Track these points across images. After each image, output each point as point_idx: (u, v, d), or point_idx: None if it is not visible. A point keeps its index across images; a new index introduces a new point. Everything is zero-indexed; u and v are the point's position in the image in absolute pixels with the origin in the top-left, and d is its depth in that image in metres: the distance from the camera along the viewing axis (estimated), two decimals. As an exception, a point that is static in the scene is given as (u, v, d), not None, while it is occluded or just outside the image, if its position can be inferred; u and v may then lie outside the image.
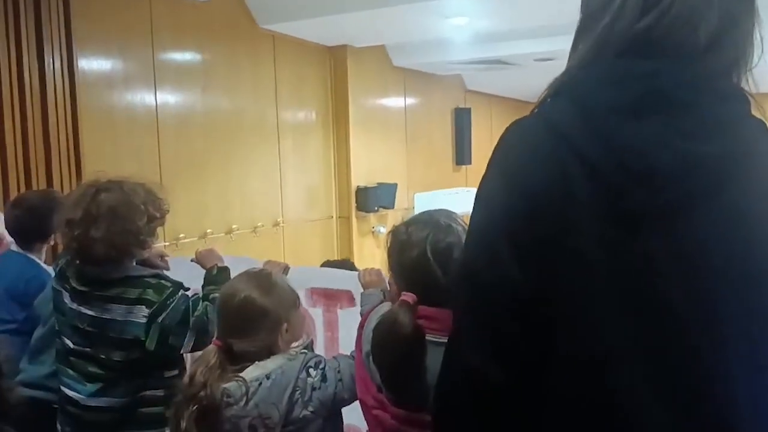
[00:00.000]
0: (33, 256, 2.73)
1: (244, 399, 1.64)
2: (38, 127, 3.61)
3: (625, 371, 0.85)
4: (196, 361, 1.75)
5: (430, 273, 1.46)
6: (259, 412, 1.64)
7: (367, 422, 1.63)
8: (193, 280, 2.24)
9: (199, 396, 1.66)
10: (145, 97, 4.35)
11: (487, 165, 0.95)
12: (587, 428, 0.87)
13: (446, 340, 0.99)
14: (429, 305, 1.45)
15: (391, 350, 1.45)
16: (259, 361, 1.69)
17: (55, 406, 2.19)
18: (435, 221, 1.54)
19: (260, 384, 1.65)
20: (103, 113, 4.06)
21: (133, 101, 4.30)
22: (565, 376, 0.87)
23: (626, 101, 0.89)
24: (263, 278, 1.79)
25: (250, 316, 1.71)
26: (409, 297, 1.46)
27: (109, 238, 1.96)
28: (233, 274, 2.23)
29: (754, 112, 0.93)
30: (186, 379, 1.74)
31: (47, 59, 3.63)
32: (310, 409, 1.67)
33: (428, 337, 1.41)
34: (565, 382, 0.87)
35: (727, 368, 0.85)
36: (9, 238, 2.85)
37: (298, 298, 1.83)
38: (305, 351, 1.76)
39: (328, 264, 3.35)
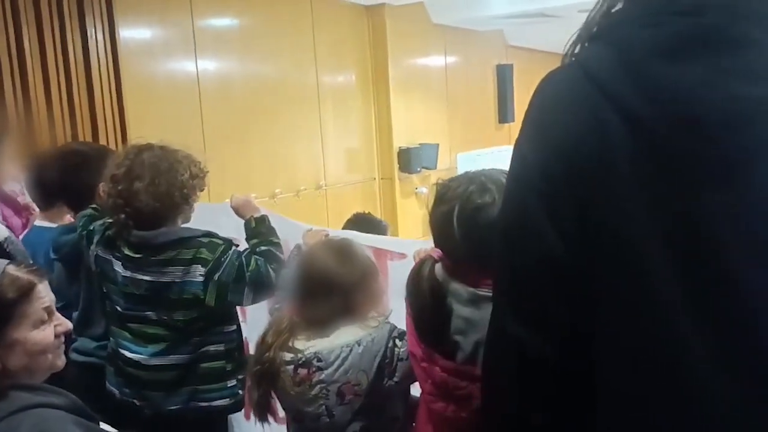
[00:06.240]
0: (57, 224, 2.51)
1: (335, 364, 1.65)
2: (84, 98, 3.67)
3: (685, 348, 0.75)
4: (270, 324, 1.80)
5: (451, 233, 1.47)
6: (348, 378, 1.65)
7: (417, 375, 1.64)
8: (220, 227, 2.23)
9: (263, 358, 1.72)
10: (186, 65, 4.38)
11: (522, 121, 0.89)
12: (648, 412, 0.77)
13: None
14: (452, 262, 1.50)
15: (416, 301, 1.53)
16: (329, 330, 1.69)
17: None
18: (474, 179, 1.51)
19: (351, 350, 1.65)
20: (145, 82, 4.11)
21: (175, 69, 4.33)
22: (615, 353, 0.79)
23: (667, 41, 0.78)
24: (342, 247, 1.80)
25: (327, 285, 1.71)
26: (435, 252, 1.53)
27: (153, 189, 2.01)
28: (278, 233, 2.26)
29: None
30: (259, 339, 1.79)
31: (89, 30, 3.66)
32: (395, 379, 1.68)
33: (469, 289, 1.47)
34: (616, 360, 0.79)
35: None
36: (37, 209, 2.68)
37: (377, 269, 1.82)
38: (389, 321, 1.75)
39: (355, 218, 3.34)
